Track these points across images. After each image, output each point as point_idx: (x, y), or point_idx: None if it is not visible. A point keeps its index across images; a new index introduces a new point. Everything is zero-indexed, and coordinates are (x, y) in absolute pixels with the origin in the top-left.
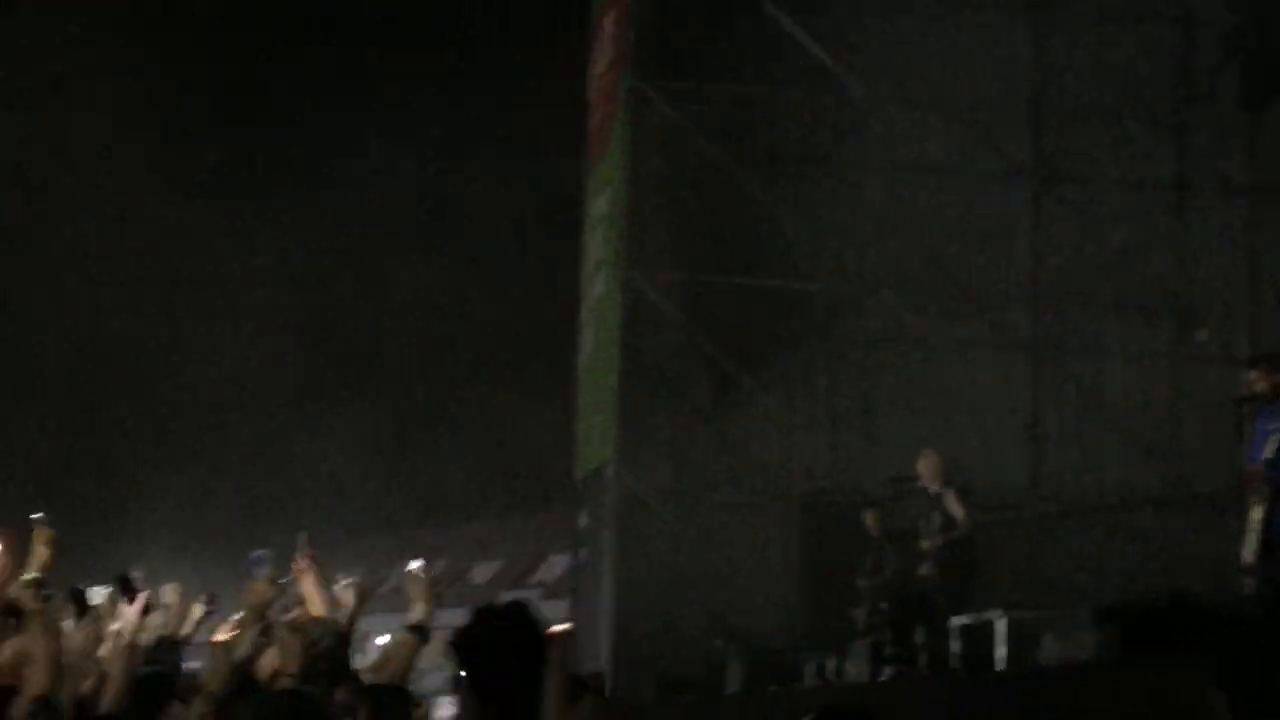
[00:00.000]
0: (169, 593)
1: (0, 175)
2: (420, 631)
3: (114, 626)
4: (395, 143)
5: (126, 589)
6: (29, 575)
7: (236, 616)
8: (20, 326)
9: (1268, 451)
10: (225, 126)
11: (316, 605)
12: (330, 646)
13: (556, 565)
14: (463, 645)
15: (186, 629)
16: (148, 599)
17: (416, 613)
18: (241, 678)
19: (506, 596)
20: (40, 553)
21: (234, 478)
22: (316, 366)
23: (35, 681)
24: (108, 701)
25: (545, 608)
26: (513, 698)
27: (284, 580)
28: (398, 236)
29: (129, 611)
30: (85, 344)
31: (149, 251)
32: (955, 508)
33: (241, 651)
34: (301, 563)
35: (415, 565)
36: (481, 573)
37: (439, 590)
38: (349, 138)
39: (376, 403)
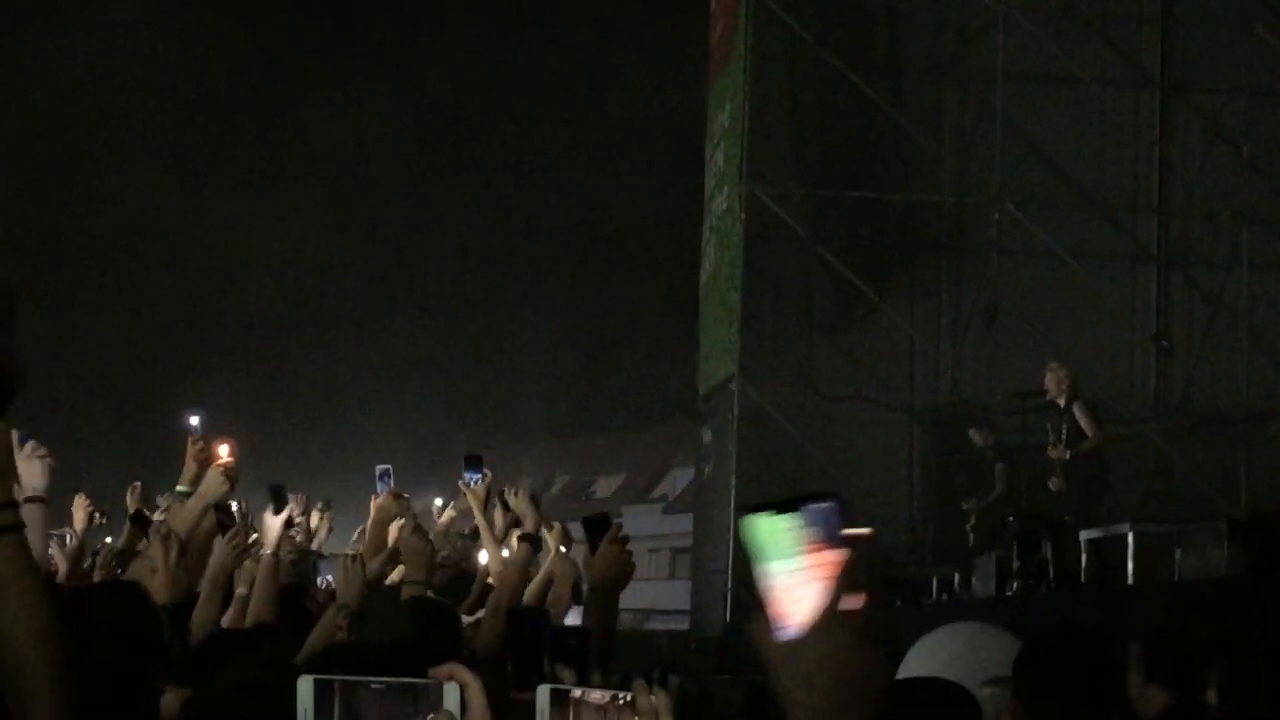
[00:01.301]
0: (296, 505)
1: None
2: (533, 541)
3: (256, 538)
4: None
5: (278, 500)
6: (181, 487)
7: (361, 529)
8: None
9: None
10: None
11: (485, 533)
12: (455, 559)
13: (679, 480)
14: None
15: (316, 542)
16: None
17: (527, 524)
18: (373, 591)
19: (629, 510)
20: (190, 466)
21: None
22: (438, 280)
23: (156, 591)
24: (252, 614)
25: (668, 522)
26: None
27: (407, 495)
28: (526, 147)
29: (274, 524)
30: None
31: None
32: (1084, 420)
33: (374, 566)
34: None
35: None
36: (604, 486)
37: (563, 503)
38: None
39: (500, 318)
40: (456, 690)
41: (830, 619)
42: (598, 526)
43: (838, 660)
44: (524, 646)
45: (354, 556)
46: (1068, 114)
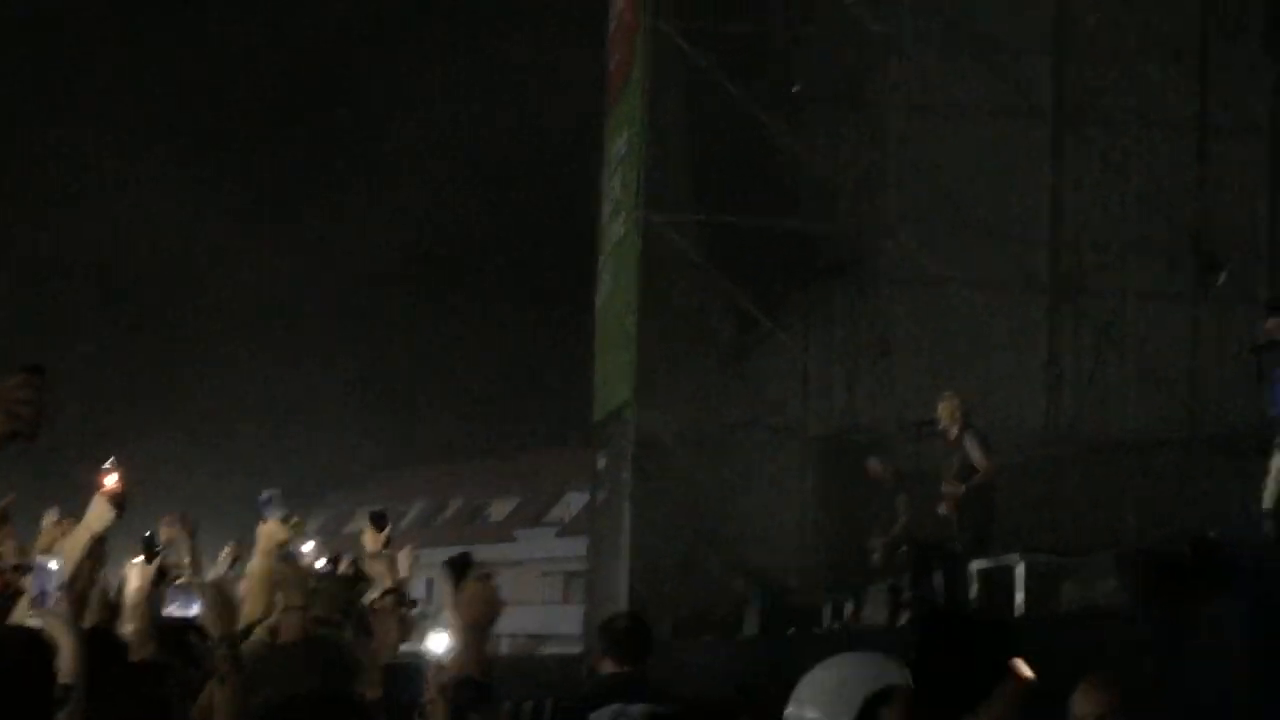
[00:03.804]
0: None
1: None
2: (398, 595)
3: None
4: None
5: (149, 550)
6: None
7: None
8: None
9: None
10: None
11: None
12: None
13: (574, 503)
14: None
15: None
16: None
17: (386, 581)
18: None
19: (523, 534)
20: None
21: (242, 418)
22: (330, 304)
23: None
24: (134, 650)
25: (561, 545)
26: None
27: (295, 520)
28: (417, 176)
29: (144, 573)
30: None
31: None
32: (975, 452)
33: (262, 601)
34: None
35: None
36: (497, 510)
37: (457, 527)
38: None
39: (393, 341)
40: None
41: None
42: (460, 568)
43: None
44: (400, 700)
45: (211, 584)
46: (962, 144)
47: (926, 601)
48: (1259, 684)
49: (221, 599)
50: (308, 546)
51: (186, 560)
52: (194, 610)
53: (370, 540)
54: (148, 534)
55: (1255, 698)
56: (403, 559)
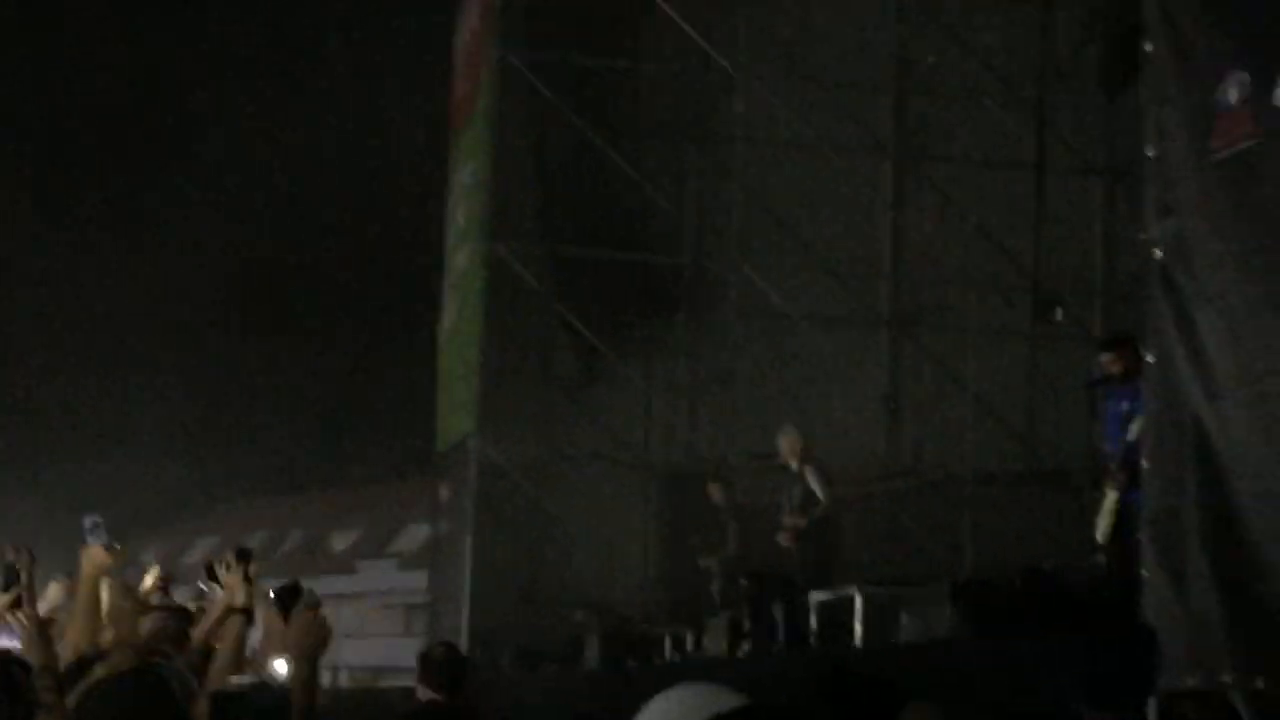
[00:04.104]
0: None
1: None
2: (246, 614)
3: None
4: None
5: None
6: None
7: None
8: None
9: (1130, 434)
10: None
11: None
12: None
13: (416, 535)
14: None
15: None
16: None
17: (238, 598)
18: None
19: (364, 565)
20: None
21: (75, 443)
22: (181, 328)
23: None
24: None
25: (403, 578)
26: None
27: (119, 546)
28: (256, 201)
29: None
30: None
31: None
32: (816, 485)
33: (85, 628)
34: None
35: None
36: (339, 541)
37: (298, 558)
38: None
39: (235, 369)
40: None
41: None
42: (290, 595)
43: None
44: None
45: (29, 614)
46: (805, 179)
47: (765, 633)
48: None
49: (40, 629)
50: (149, 576)
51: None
52: (14, 642)
53: (231, 575)
54: (8, 563)
55: None
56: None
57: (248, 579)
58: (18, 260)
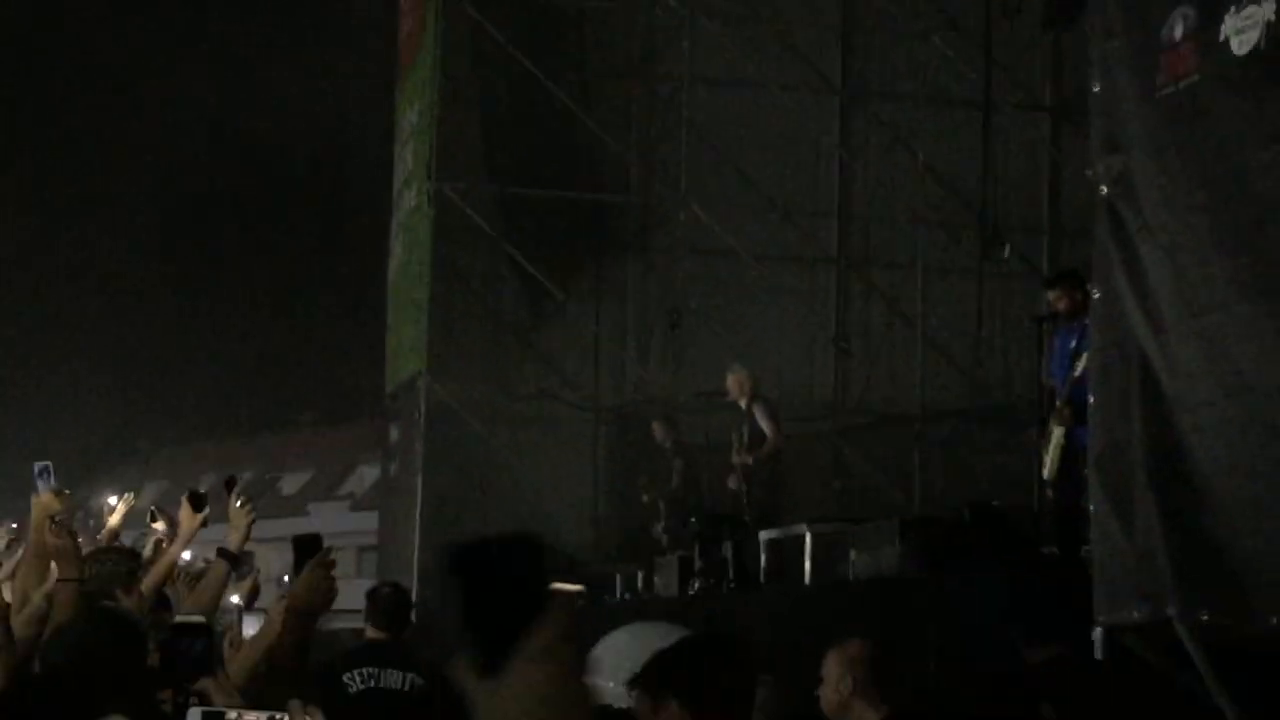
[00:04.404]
0: None
1: None
2: (232, 559)
3: None
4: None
5: None
6: None
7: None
8: None
9: (1077, 370)
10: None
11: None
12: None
13: (366, 477)
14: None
15: None
16: None
17: (232, 540)
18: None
19: (316, 508)
20: None
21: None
22: (128, 269)
23: None
24: None
25: (354, 519)
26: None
27: (68, 492)
28: (202, 144)
29: None
30: None
31: None
32: (764, 422)
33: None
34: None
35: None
36: (290, 483)
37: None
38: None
39: (183, 311)
40: None
41: (534, 657)
42: (308, 548)
43: (539, 697)
44: (176, 655)
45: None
46: (752, 118)
47: (715, 571)
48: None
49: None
50: (115, 515)
51: None
52: None
53: (186, 519)
54: None
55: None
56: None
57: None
58: None
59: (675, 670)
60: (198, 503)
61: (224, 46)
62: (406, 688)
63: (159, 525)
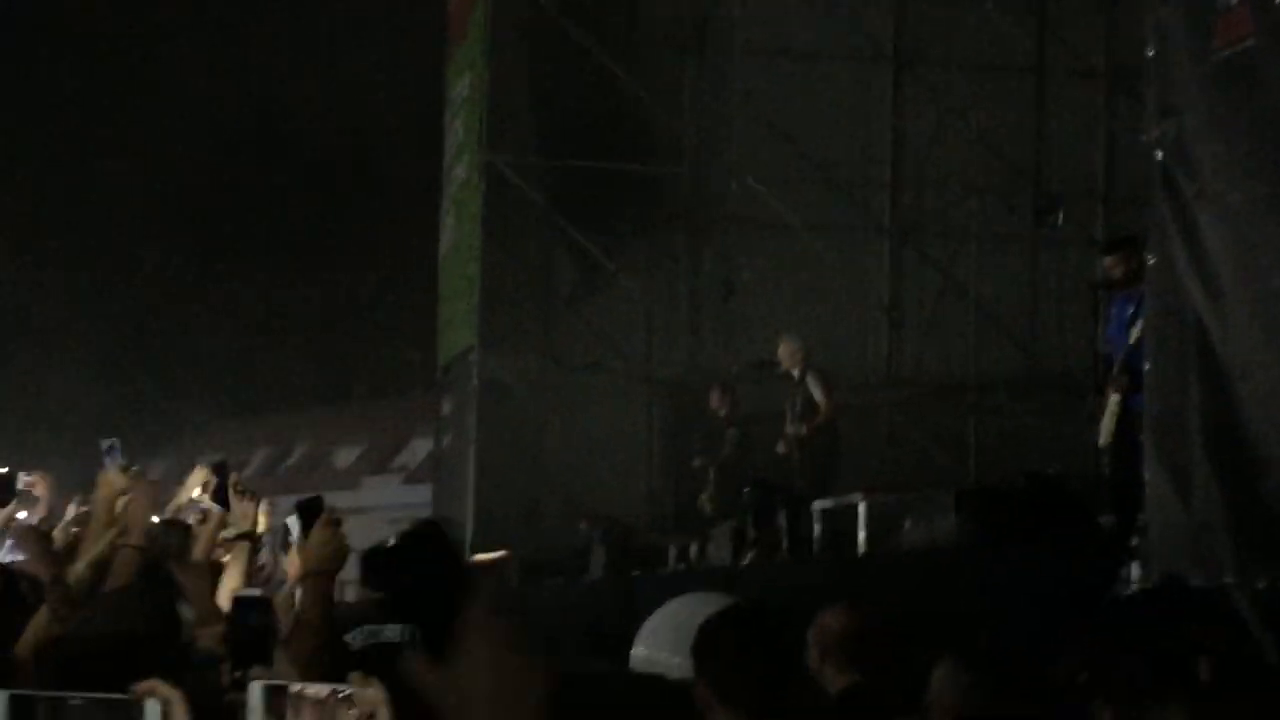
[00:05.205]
0: (38, 485)
1: None
2: (252, 539)
3: None
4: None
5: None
6: None
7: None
8: None
9: (1133, 337)
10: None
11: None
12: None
13: (419, 450)
14: (380, 571)
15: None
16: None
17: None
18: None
19: (369, 482)
20: None
21: (89, 360)
22: (182, 241)
23: None
24: None
25: (408, 492)
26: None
27: (136, 469)
28: (255, 118)
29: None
30: None
31: None
32: (817, 392)
33: (102, 546)
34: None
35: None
36: (343, 457)
37: (301, 474)
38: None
39: (237, 285)
40: (158, 708)
41: (474, 637)
42: (310, 510)
43: (489, 677)
44: (241, 632)
45: (30, 528)
46: (804, 88)
47: (770, 541)
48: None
49: (43, 543)
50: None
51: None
52: (18, 556)
53: (243, 504)
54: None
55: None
56: (261, 512)
57: (238, 493)
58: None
59: (698, 651)
60: (219, 470)
61: (269, 15)
62: (406, 638)
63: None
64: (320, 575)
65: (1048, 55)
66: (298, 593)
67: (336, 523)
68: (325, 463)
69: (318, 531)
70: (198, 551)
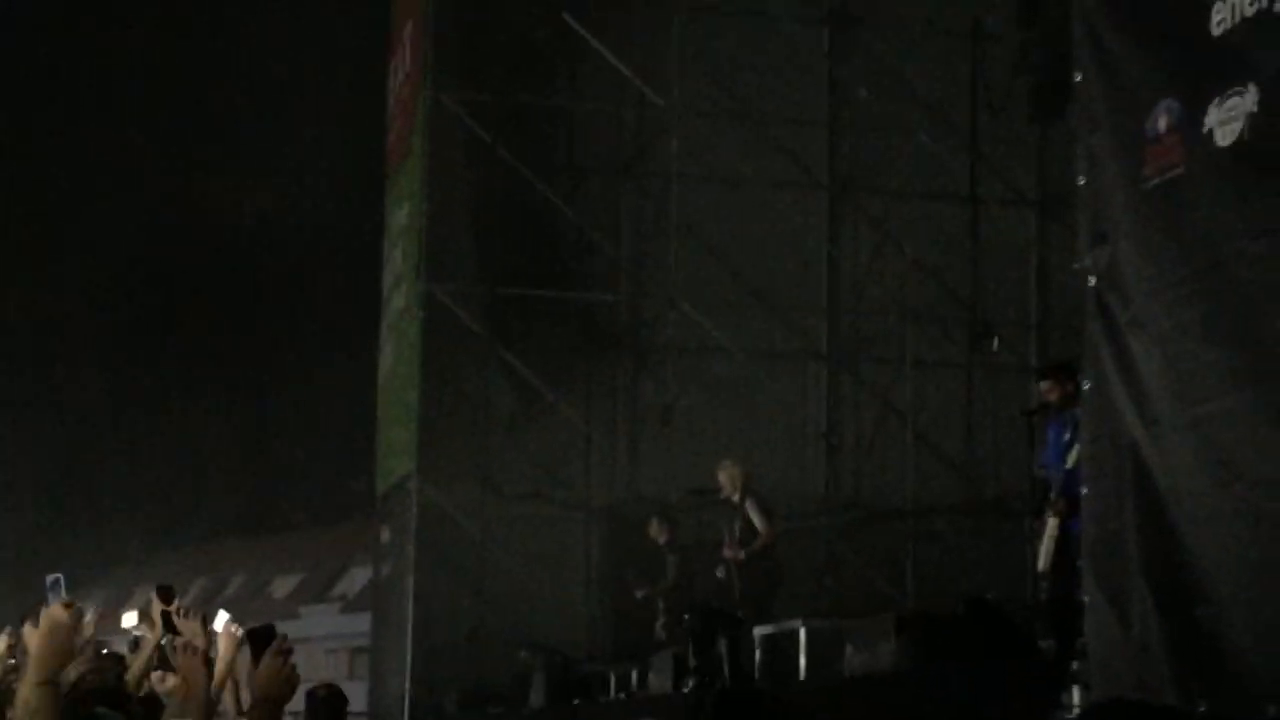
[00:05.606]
0: None
1: None
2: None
3: None
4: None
5: None
6: None
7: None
8: None
9: (1069, 462)
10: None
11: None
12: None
13: (358, 578)
14: None
15: None
16: None
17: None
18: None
19: (307, 610)
20: None
21: (21, 492)
22: (117, 370)
23: None
24: None
25: (347, 621)
26: None
27: (80, 605)
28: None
29: None
30: None
31: None
32: (756, 517)
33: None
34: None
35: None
36: (281, 586)
37: (240, 604)
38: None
39: (172, 415)
40: None
41: None
42: (262, 638)
43: None
44: None
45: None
46: (741, 215)
47: (710, 668)
48: None
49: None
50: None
51: None
52: None
53: (157, 611)
54: None
55: None
56: (223, 637)
57: (182, 616)
58: None
59: None
60: (166, 595)
61: (213, 132)
62: None
63: (136, 624)
64: (270, 703)
65: (981, 184)
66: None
67: (288, 652)
68: (263, 592)
69: (268, 660)
70: (132, 672)
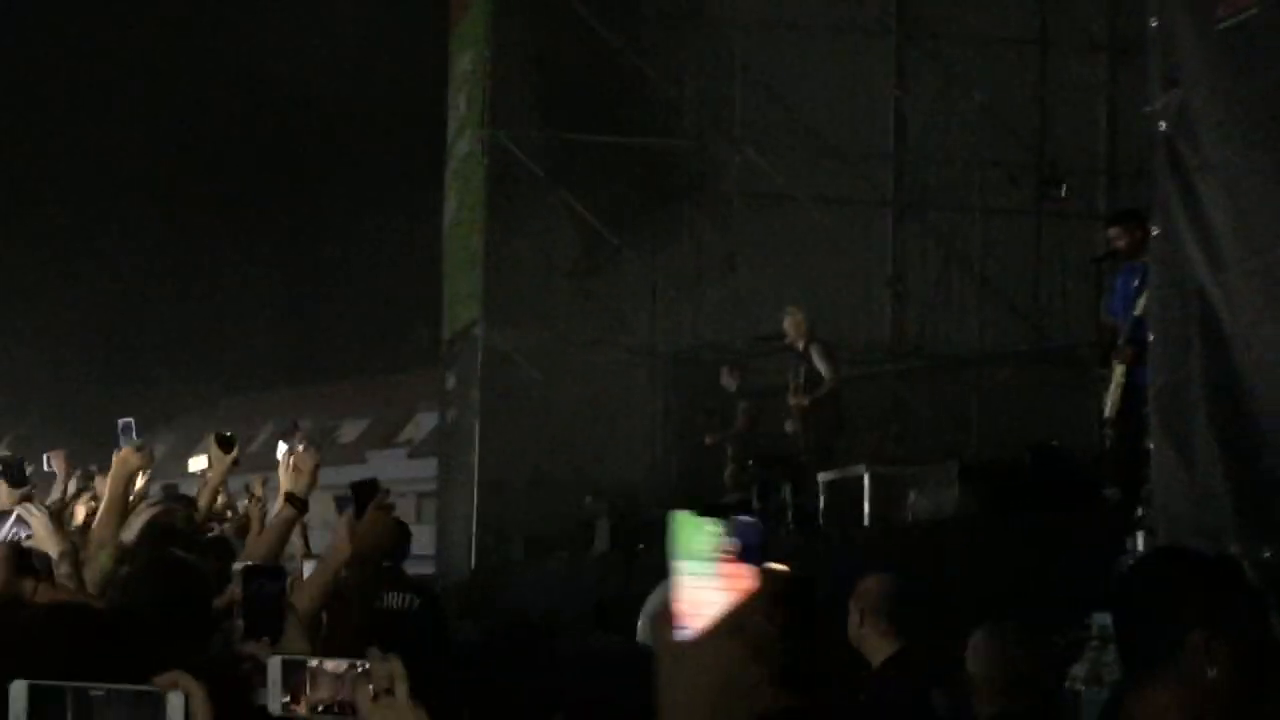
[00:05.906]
0: (56, 461)
1: None
2: (300, 504)
3: None
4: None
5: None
6: None
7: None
8: None
9: (1137, 309)
10: None
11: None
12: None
13: (424, 424)
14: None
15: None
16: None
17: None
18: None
19: (374, 456)
20: None
21: (90, 335)
22: (189, 217)
23: None
24: None
25: (412, 466)
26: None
27: (151, 447)
28: (259, 94)
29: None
30: None
31: None
32: (821, 364)
33: (112, 525)
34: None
35: (290, 446)
36: (348, 431)
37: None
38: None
39: (242, 262)
40: (181, 700)
41: (725, 631)
42: (366, 492)
43: (721, 672)
44: (256, 602)
45: (37, 505)
46: (806, 61)
47: (774, 513)
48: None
49: (52, 519)
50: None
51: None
52: (25, 533)
53: (216, 460)
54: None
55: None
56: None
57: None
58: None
59: None
60: (226, 444)
61: None
62: (405, 606)
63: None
64: (370, 558)
65: (1050, 28)
66: (305, 568)
67: (390, 507)
68: (330, 437)
69: (371, 514)
70: (200, 516)
